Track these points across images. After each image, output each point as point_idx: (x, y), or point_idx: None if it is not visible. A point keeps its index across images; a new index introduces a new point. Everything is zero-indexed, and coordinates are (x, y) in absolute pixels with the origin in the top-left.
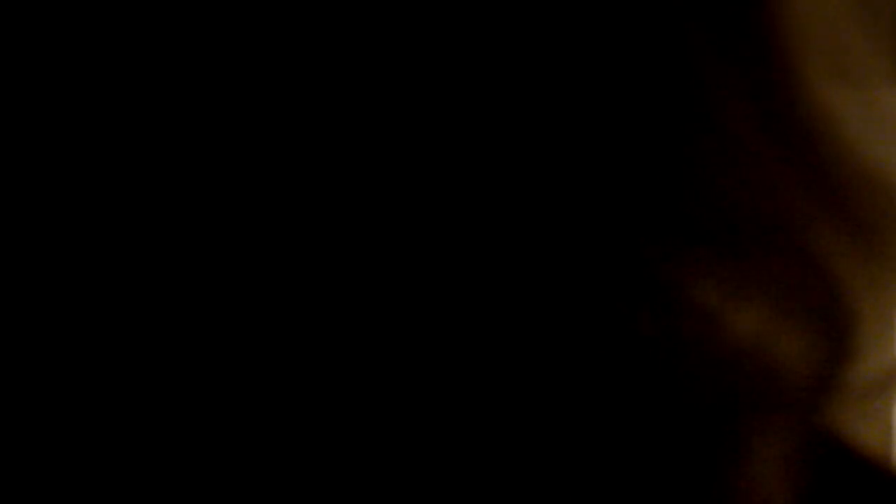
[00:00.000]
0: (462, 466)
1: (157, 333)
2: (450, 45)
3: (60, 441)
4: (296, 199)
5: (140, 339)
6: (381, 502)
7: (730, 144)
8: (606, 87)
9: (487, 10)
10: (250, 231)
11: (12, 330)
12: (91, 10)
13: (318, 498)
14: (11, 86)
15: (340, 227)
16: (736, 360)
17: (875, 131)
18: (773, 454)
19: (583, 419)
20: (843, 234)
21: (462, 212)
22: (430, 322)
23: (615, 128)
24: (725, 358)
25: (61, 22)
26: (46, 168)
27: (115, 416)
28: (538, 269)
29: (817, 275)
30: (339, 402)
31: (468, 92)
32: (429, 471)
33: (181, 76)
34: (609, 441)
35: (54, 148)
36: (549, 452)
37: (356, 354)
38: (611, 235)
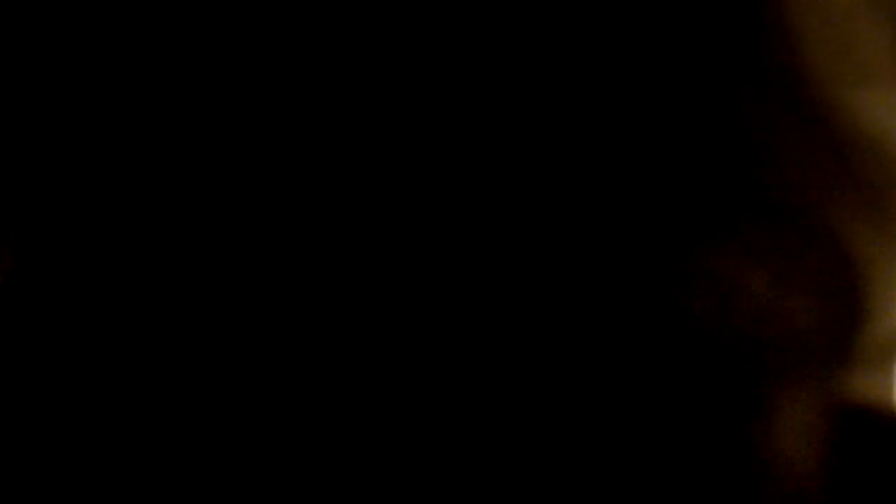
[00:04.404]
0: (506, 436)
1: (157, 333)
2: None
3: (60, 440)
4: (295, 199)
5: (139, 339)
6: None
7: (755, 139)
8: (645, 94)
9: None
10: (249, 230)
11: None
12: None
13: (319, 498)
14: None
15: (358, 226)
16: (752, 328)
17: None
18: (795, 421)
19: (606, 389)
20: (855, 202)
21: (512, 199)
22: (471, 319)
23: (651, 132)
24: (742, 326)
25: (61, 21)
26: (47, 167)
27: (114, 415)
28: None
29: (828, 242)
30: (351, 402)
31: (546, 95)
32: (470, 464)
33: (180, 75)
34: (635, 410)
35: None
36: (574, 421)
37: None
38: (643, 212)
